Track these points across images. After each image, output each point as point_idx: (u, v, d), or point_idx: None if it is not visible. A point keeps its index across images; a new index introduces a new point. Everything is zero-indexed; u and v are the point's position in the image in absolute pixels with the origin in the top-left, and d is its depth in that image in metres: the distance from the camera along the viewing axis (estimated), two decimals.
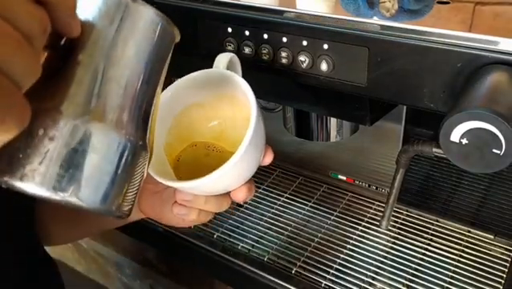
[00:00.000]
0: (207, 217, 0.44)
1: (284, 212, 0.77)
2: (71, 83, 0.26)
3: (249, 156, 0.39)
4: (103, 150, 0.27)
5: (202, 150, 0.45)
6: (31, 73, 0.22)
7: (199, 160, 0.44)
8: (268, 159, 0.43)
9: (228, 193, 0.43)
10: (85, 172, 0.26)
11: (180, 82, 0.43)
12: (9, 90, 0.21)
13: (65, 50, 0.27)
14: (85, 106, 0.26)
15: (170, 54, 0.32)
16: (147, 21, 0.29)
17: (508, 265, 0.64)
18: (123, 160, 0.28)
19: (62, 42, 0.27)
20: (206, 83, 0.43)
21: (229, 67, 0.42)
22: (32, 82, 0.22)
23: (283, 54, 0.44)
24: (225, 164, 0.37)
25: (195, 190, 0.41)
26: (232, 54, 0.42)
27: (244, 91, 0.40)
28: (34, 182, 0.25)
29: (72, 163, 0.26)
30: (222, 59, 0.42)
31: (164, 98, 0.42)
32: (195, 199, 0.42)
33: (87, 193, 0.27)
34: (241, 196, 0.42)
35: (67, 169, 0.26)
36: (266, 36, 0.45)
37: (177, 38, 0.32)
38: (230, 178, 0.40)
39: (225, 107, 0.45)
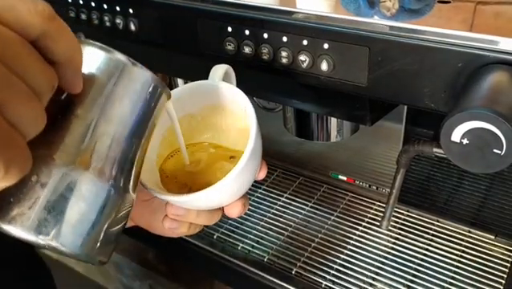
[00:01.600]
0: (196, 229, 0.44)
1: (284, 212, 0.76)
2: (66, 134, 0.28)
3: (247, 171, 0.38)
4: (89, 198, 0.29)
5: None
6: (37, 125, 0.24)
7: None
8: (262, 174, 0.43)
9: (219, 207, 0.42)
10: (70, 219, 0.28)
11: (174, 92, 0.42)
12: (16, 141, 0.23)
13: (64, 102, 0.29)
14: (76, 155, 0.28)
15: (162, 112, 0.35)
16: (141, 82, 0.32)
17: (509, 265, 0.64)
18: (108, 207, 0.30)
19: (63, 96, 0.29)
20: (200, 94, 0.42)
21: (225, 78, 0.41)
22: (36, 133, 0.24)
23: (283, 54, 0.44)
24: (223, 179, 0.36)
25: (188, 204, 0.40)
26: (227, 66, 0.42)
27: (242, 103, 0.40)
28: (21, 226, 0.27)
29: (59, 210, 0.28)
30: (218, 71, 0.41)
31: None
32: (187, 213, 0.41)
33: (70, 239, 0.28)
34: (235, 211, 0.42)
35: (54, 216, 0.27)
36: (266, 36, 0.45)
37: (169, 98, 0.35)
38: (226, 193, 0.39)
39: (218, 119, 0.44)
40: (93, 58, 0.30)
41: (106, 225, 0.30)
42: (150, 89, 0.32)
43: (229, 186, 0.37)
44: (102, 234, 0.30)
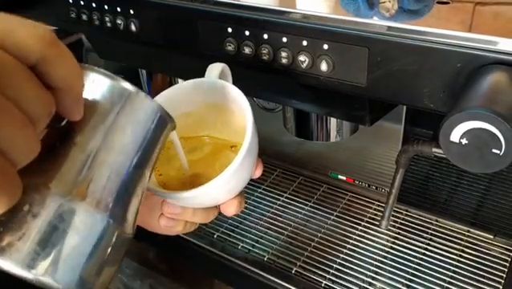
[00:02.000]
0: (192, 227, 0.44)
1: (284, 212, 0.77)
2: (64, 162, 0.27)
3: (244, 168, 0.38)
4: (84, 231, 0.27)
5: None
6: (29, 153, 0.23)
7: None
8: (258, 172, 0.42)
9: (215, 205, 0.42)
10: (63, 252, 0.26)
11: (169, 91, 0.42)
12: (4, 168, 0.21)
13: (64, 129, 0.28)
14: (73, 185, 0.27)
15: (165, 142, 0.33)
16: (147, 112, 0.30)
17: (508, 265, 0.64)
18: (104, 240, 0.28)
19: (63, 123, 0.28)
20: (197, 92, 0.42)
21: (221, 77, 0.41)
22: (28, 161, 0.23)
23: (283, 54, 0.45)
24: (218, 177, 0.36)
25: (184, 202, 0.40)
26: (223, 65, 0.42)
27: (239, 100, 0.39)
28: (10, 258, 0.25)
29: (51, 242, 0.26)
30: (214, 69, 0.41)
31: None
32: (183, 212, 0.41)
33: (61, 273, 0.26)
34: (231, 209, 0.41)
35: (45, 248, 0.26)
36: (266, 36, 0.45)
37: (173, 127, 0.34)
38: (222, 191, 0.39)
39: (215, 117, 0.44)
40: (97, 85, 0.29)
41: (102, 260, 0.29)
42: (155, 119, 0.31)
43: (225, 184, 0.37)
44: (98, 270, 0.28)
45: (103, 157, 0.28)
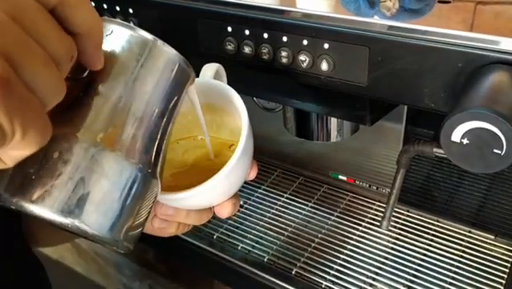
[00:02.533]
0: (185, 229, 0.43)
1: (284, 212, 0.76)
2: (89, 112, 0.28)
3: (239, 169, 0.38)
4: (114, 177, 0.28)
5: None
6: (56, 93, 0.23)
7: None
8: (253, 173, 0.42)
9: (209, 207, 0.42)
10: (95, 198, 0.27)
11: None
12: (34, 105, 0.22)
13: (87, 80, 0.28)
14: (101, 134, 0.28)
15: (185, 92, 0.34)
16: (167, 61, 0.31)
17: (509, 265, 0.64)
18: (133, 189, 0.29)
19: (85, 74, 0.28)
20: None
21: (216, 77, 0.41)
22: (55, 102, 0.24)
23: (283, 53, 0.44)
24: (213, 178, 0.36)
25: (178, 203, 0.40)
26: (218, 65, 0.41)
27: (234, 100, 0.39)
28: (44, 205, 0.26)
29: (83, 188, 0.27)
30: (208, 70, 0.41)
31: None
32: (176, 213, 0.40)
33: (94, 218, 0.27)
34: (225, 211, 0.41)
35: (78, 194, 0.26)
36: (266, 36, 0.45)
37: (193, 79, 0.34)
38: (216, 192, 0.39)
39: (210, 117, 0.44)
40: (116, 35, 0.29)
41: (132, 208, 0.29)
42: (176, 69, 0.31)
43: (219, 185, 0.37)
44: (128, 217, 0.29)
45: (126, 106, 0.29)
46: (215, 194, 0.39)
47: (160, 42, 0.30)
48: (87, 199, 0.27)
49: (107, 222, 0.28)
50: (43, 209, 0.26)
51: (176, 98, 0.32)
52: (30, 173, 0.26)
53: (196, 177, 0.38)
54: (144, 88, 0.29)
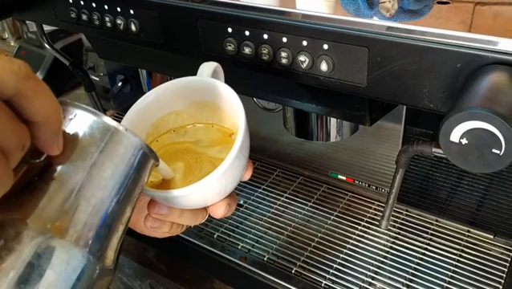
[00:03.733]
0: (179, 229, 0.43)
1: (284, 212, 0.77)
2: (42, 198, 0.27)
3: (234, 169, 0.38)
4: (61, 267, 0.26)
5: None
6: (2, 184, 0.23)
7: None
8: (248, 174, 0.41)
9: (204, 207, 0.41)
10: None
11: (159, 88, 0.42)
12: None
13: (43, 164, 0.28)
14: (51, 221, 0.26)
15: (147, 177, 0.33)
16: (128, 147, 0.30)
17: (508, 265, 0.64)
18: (82, 279, 0.28)
19: (43, 158, 0.27)
20: (188, 90, 0.42)
21: (213, 76, 0.41)
22: (1, 194, 0.23)
23: (283, 54, 0.45)
24: (208, 176, 0.35)
25: (172, 202, 0.39)
26: (216, 64, 0.41)
27: (230, 98, 0.39)
28: None
29: (27, 279, 0.25)
30: (206, 69, 0.41)
31: (143, 104, 0.41)
32: (169, 213, 0.40)
33: None
34: (220, 212, 0.40)
35: (21, 285, 0.25)
36: (266, 36, 0.45)
37: (157, 165, 0.33)
38: (211, 191, 0.38)
39: (206, 116, 0.44)
40: (78, 120, 0.29)
41: None
42: (137, 155, 0.31)
43: (214, 184, 0.36)
44: None
45: (82, 193, 0.28)
46: (209, 193, 0.38)
47: (122, 128, 0.30)
48: None
49: None
50: None
51: (135, 184, 0.31)
52: None
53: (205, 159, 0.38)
54: (101, 174, 0.29)
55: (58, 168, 0.27)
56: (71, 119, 0.29)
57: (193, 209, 0.41)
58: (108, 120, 0.29)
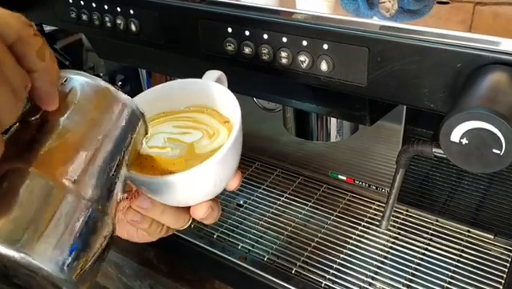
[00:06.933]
0: (157, 230, 0.42)
1: (284, 212, 0.77)
2: (41, 149, 0.29)
3: (221, 170, 0.37)
4: (64, 210, 0.28)
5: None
6: (9, 111, 0.25)
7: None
8: (234, 183, 0.41)
9: (188, 210, 0.40)
10: (45, 231, 0.27)
11: (159, 87, 0.42)
12: None
13: (39, 122, 0.30)
14: (52, 169, 0.28)
15: (137, 133, 0.35)
16: (120, 106, 0.33)
17: (508, 265, 0.64)
18: (84, 224, 0.29)
19: (38, 115, 0.30)
20: (191, 91, 0.42)
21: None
22: (8, 124, 0.25)
23: (283, 54, 0.45)
24: (193, 168, 0.35)
25: (155, 190, 0.38)
26: (220, 72, 0.42)
27: (226, 97, 0.39)
28: None
29: (32, 219, 0.27)
30: (210, 76, 0.41)
31: (139, 102, 0.41)
32: (152, 207, 0.39)
33: (43, 250, 0.27)
34: (201, 212, 0.40)
35: (28, 225, 0.27)
36: (266, 36, 0.45)
37: (144, 121, 0.35)
38: (195, 185, 0.38)
39: (204, 118, 0.43)
40: (73, 82, 0.31)
41: (83, 242, 0.29)
42: (127, 111, 0.33)
43: (198, 178, 0.36)
44: (79, 252, 0.29)
45: (79, 144, 0.30)
46: (193, 188, 0.38)
47: (113, 88, 0.32)
48: (37, 231, 0.27)
49: (54, 255, 0.27)
50: None
51: (127, 138, 0.34)
52: None
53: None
54: (96, 128, 0.31)
55: (55, 123, 0.30)
56: (64, 82, 0.31)
57: (175, 207, 0.40)
58: (100, 81, 0.32)
